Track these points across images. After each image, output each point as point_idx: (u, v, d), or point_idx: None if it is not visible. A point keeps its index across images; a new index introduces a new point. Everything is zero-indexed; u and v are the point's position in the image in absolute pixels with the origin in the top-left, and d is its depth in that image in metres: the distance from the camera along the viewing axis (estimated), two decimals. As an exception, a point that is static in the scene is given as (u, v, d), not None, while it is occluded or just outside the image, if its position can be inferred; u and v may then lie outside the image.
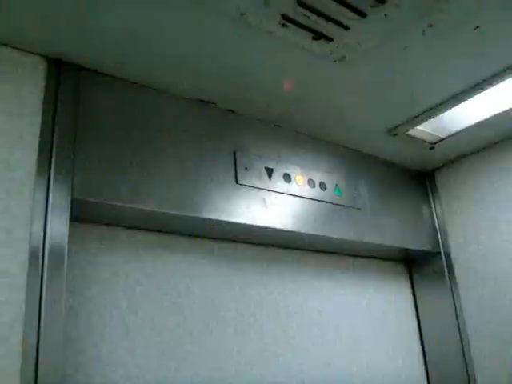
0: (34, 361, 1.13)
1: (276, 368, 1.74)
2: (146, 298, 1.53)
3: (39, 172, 1.27)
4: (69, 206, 1.29)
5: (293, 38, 1.37)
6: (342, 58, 1.48)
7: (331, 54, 1.46)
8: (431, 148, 2.13)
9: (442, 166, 2.35)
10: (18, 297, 1.15)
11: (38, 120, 1.32)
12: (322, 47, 1.42)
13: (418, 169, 2.38)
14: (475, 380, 2.07)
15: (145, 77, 1.54)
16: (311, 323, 1.91)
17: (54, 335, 1.17)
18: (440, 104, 1.79)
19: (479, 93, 1.73)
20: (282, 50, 1.44)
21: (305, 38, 1.38)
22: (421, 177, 2.40)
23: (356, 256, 2.19)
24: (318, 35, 1.37)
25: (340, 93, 1.69)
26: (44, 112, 1.33)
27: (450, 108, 1.82)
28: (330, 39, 1.39)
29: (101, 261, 1.48)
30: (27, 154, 1.27)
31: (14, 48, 1.34)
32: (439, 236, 2.30)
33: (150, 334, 1.50)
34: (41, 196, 1.25)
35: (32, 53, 1.37)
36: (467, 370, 2.10)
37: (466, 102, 1.78)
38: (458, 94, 1.74)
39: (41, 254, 1.21)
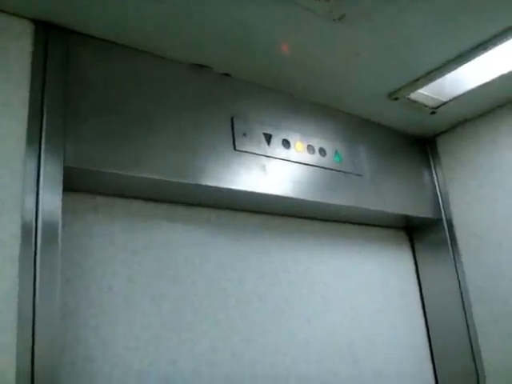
0: (31, 333, 1.10)
1: (279, 337, 1.72)
2: (145, 268, 1.50)
3: (29, 140, 1.22)
4: (61, 174, 1.24)
5: (291, -5, 1.32)
6: (342, 17, 1.43)
7: (330, 12, 1.40)
8: (432, 113, 2.08)
9: (444, 131, 2.30)
10: (11, 269, 1.11)
11: (27, 86, 1.26)
12: (321, 5, 1.36)
13: (419, 134, 2.33)
14: (478, 347, 2.06)
15: (138, 41, 1.48)
16: (313, 292, 1.88)
17: (50, 307, 1.14)
18: (442, 66, 1.74)
19: (482, 54, 1.67)
20: (279, 10, 1.39)
21: (303, -5, 1.33)
22: (422, 142, 2.36)
23: (357, 224, 2.16)
24: (316, -9, 1.32)
25: (340, 55, 1.63)
26: (32, 78, 1.28)
27: (452, 70, 1.76)
28: (329, -4, 1.34)
29: (97, 231, 1.44)
30: (16, 121, 1.22)
31: (-2, 11, 1.28)
32: (441, 202, 2.26)
33: (150, 305, 1.47)
34: (32, 164, 1.21)
35: (18, 15, 1.30)
36: (470, 338, 2.08)
37: (468, 63, 1.72)
38: (460, 55, 1.68)
39: (34, 224, 1.17)
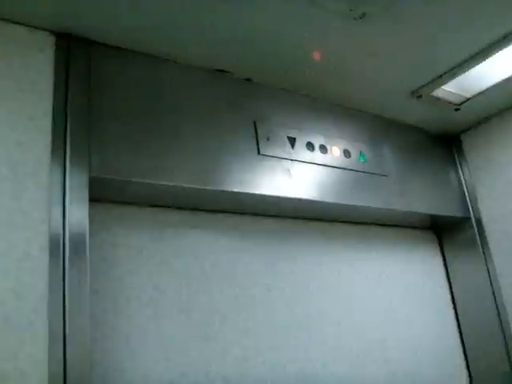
0: (62, 346, 1.09)
1: (309, 343, 1.69)
2: (173, 277, 1.48)
3: (54, 151, 1.22)
4: (87, 185, 1.24)
5: (311, -5, 1.30)
6: (363, 15, 1.41)
7: (351, 10, 1.38)
8: (456, 109, 2.04)
9: (469, 128, 2.25)
10: (40, 280, 1.11)
11: (50, 98, 1.27)
12: (341, 5, 1.35)
13: (443, 132, 2.29)
14: (512, 345, 2.01)
15: (158, 48, 1.48)
16: (342, 296, 1.85)
17: (79, 319, 1.13)
18: (465, 61, 1.70)
19: (505, 47, 1.64)
20: (300, 12, 1.37)
21: (324, -5, 1.31)
22: (447, 140, 2.32)
23: (384, 225, 2.12)
24: (337, -10, 1.30)
25: (361, 54, 1.61)
26: (55, 89, 1.28)
27: (476, 65, 1.73)
28: (349, -5, 1.32)
29: (123, 241, 1.44)
30: (40, 133, 1.22)
31: (20, 24, 1.29)
32: (468, 201, 2.22)
33: (179, 315, 1.46)
34: (57, 176, 1.21)
35: (39, 28, 1.31)
36: (505, 338, 2.03)
37: (491, 57, 1.69)
38: (483, 50, 1.65)
39: (61, 236, 1.17)
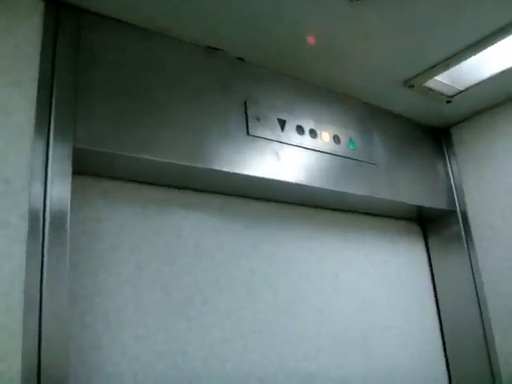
0: (38, 317, 1.07)
1: (289, 329, 1.68)
2: (155, 255, 1.46)
3: (38, 119, 1.18)
4: (71, 155, 1.20)
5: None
6: (359, -2, 1.39)
7: (348, -8, 1.36)
8: (448, 101, 2.03)
9: (459, 121, 2.25)
10: (18, 250, 1.08)
11: (36, 64, 1.23)
12: (339, -16, 1.33)
13: (433, 124, 2.28)
14: (493, 340, 2.01)
15: (150, 21, 1.44)
16: (325, 283, 1.84)
17: (57, 292, 1.11)
18: (460, 52, 1.69)
19: (501, 39, 1.63)
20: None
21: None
22: (436, 133, 2.31)
23: (370, 214, 2.12)
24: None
25: (356, 38, 1.59)
26: (42, 56, 1.24)
27: (471, 56, 1.72)
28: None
29: (105, 216, 1.41)
30: (25, 100, 1.18)
31: (7, -12, 1.24)
32: (455, 194, 2.22)
33: (159, 293, 1.44)
34: (40, 144, 1.17)
35: (28, -7, 1.27)
36: (484, 331, 2.04)
37: (486, 49, 1.68)
38: (478, 41, 1.64)
39: (41, 207, 1.14)
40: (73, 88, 1.26)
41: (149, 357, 1.37)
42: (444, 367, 2.14)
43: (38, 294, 1.08)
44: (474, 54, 1.70)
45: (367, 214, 2.11)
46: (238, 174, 1.50)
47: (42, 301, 1.08)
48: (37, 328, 1.06)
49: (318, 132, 1.76)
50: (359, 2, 1.40)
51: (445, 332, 2.19)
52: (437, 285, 2.25)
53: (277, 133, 1.63)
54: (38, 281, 1.09)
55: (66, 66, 1.27)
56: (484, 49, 1.67)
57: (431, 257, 2.28)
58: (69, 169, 1.20)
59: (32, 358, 1.04)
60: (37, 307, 1.07)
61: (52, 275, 1.11)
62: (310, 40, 1.58)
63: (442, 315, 2.21)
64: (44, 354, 1.05)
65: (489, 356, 2.01)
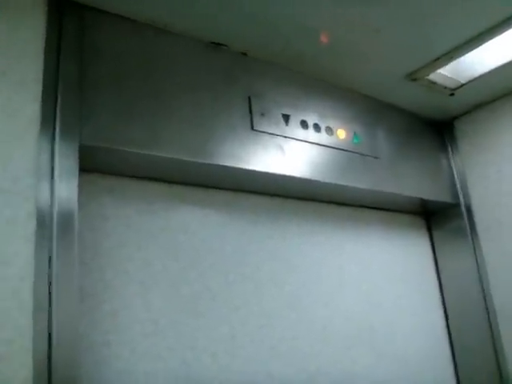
0: (47, 315, 1.07)
1: (296, 323, 1.68)
2: (161, 251, 1.46)
3: (44, 117, 1.18)
4: (77, 153, 1.20)
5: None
6: (363, -9, 1.39)
7: (352, -14, 1.36)
8: (451, 94, 2.03)
9: (462, 114, 2.25)
10: (27, 247, 1.08)
11: (41, 63, 1.22)
12: (342, -22, 1.32)
13: (436, 117, 2.28)
14: (499, 333, 2.02)
15: (153, 17, 1.44)
16: (330, 277, 1.84)
17: (66, 289, 1.11)
18: (463, 44, 1.69)
19: (504, 32, 1.63)
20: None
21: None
22: (439, 126, 2.31)
23: (374, 208, 2.12)
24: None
25: (362, 33, 1.59)
26: (46, 54, 1.24)
27: (473, 49, 1.71)
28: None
29: (112, 213, 1.41)
30: (30, 99, 1.18)
31: (11, -14, 1.24)
32: (458, 187, 2.22)
33: (167, 289, 1.44)
34: (47, 143, 1.17)
35: (31, -9, 1.27)
36: (490, 324, 2.04)
37: (489, 42, 1.68)
38: (481, 34, 1.64)
39: (49, 205, 1.14)
40: (77, 86, 1.26)
41: (158, 352, 1.37)
42: (450, 361, 2.14)
43: (47, 291, 1.08)
44: (477, 47, 1.70)
45: (372, 207, 2.11)
46: (242, 168, 1.50)
47: (52, 298, 1.08)
48: (46, 326, 1.06)
49: (322, 126, 1.76)
50: (362, -5, 1.40)
51: (450, 325, 2.19)
52: (442, 278, 2.25)
53: (281, 127, 1.63)
54: (47, 278, 1.09)
55: (70, 64, 1.26)
56: (486, 42, 1.67)
57: (436, 250, 2.29)
58: (76, 166, 1.20)
59: (42, 356, 1.04)
60: (46, 305, 1.07)
61: (61, 273, 1.11)
62: (323, 38, 1.58)
63: (447, 308, 2.21)
64: (54, 352, 1.05)
65: (495, 349, 2.01)
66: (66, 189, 1.17)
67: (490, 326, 2.04)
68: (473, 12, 1.53)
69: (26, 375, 1.01)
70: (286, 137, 1.63)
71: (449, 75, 1.91)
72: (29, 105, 1.17)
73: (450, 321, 2.20)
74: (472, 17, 1.56)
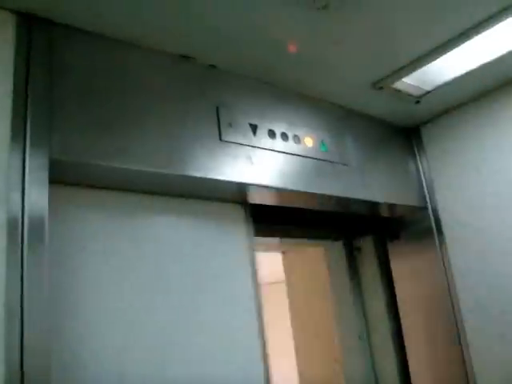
0: (19, 326, 1.10)
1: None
2: (130, 259, 1.49)
3: (14, 131, 1.21)
4: (47, 165, 1.23)
5: (274, -16, 1.32)
6: (325, 6, 1.43)
7: (314, 1, 1.40)
8: (417, 102, 2.10)
9: (428, 120, 2.31)
10: (-1, 260, 1.11)
11: (10, 78, 1.25)
12: (304, -6, 1.37)
13: (403, 124, 2.35)
14: (464, 330, 2.09)
15: (121, 31, 1.47)
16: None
17: (37, 299, 1.14)
18: (426, 54, 1.75)
19: (464, 42, 1.69)
20: (265, 1, 1.39)
21: (287, -16, 1.33)
22: (407, 132, 2.38)
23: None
24: (300, -20, 1.32)
25: (325, 44, 1.64)
26: (16, 69, 1.26)
27: (437, 58, 1.78)
28: (312, -15, 1.34)
29: (81, 223, 1.43)
30: (1, 113, 1.21)
31: (-21, 3, 1.26)
32: (426, 191, 2.28)
33: (136, 296, 1.47)
34: (17, 156, 1.20)
35: (0, 7, 1.29)
36: (456, 324, 2.11)
37: (452, 51, 1.74)
38: (444, 44, 1.71)
39: (20, 216, 1.17)
40: (47, 99, 1.29)
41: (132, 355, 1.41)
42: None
43: (19, 302, 1.11)
44: (440, 57, 1.77)
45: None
46: (212, 179, 1.54)
47: (23, 309, 1.11)
48: (18, 337, 1.09)
49: (290, 135, 1.80)
50: (326, 10, 1.44)
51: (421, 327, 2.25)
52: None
53: (249, 137, 1.67)
54: (19, 289, 1.11)
55: (39, 78, 1.29)
56: (449, 51, 1.74)
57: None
58: (45, 179, 1.23)
59: (14, 366, 1.07)
60: (18, 316, 1.10)
61: (32, 282, 1.13)
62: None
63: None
64: (26, 359, 1.08)
65: (462, 352, 2.09)
66: (37, 200, 1.20)
67: (457, 326, 2.10)
68: (435, 22, 1.59)
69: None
70: (253, 146, 1.67)
71: (414, 84, 1.97)
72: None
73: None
74: (434, 27, 1.62)
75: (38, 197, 1.20)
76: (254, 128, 1.69)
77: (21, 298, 1.11)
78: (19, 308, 1.11)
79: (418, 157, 2.34)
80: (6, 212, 1.15)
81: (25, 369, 1.08)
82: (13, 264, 1.12)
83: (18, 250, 1.14)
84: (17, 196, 1.17)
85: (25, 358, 1.08)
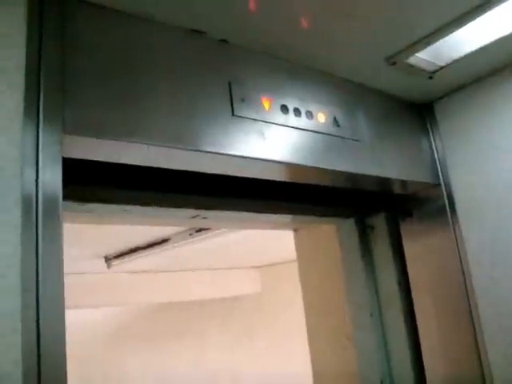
0: (35, 299, 1.11)
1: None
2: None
3: (27, 106, 1.20)
4: (61, 141, 1.23)
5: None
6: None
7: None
8: (430, 77, 2.07)
9: (442, 96, 2.28)
10: (14, 234, 1.11)
11: (23, 51, 1.24)
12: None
13: (416, 100, 2.31)
14: (477, 309, 2.08)
15: (133, 6, 1.46)
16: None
17: (52, 274, 1.15)
18: (442, 27, 1.71)
19: (482, 15, 1.65)
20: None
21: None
22: (420, 108, 2.34)
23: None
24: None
25: (337, 16, 1.61)
26: (28, 43, 1.25)
27: (452, 32, 1.74)
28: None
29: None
30: (13, 88, 1.20)
31: (-12, -25, 1.25)
32: (439, 168, 2.26)
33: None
34: (31, 131, 1.19)
35: (10, -21, 1.28)
36: (469, 303, 2.10)
37: (467, 25, 1.70)
38: (460, 16, 1.66)
39: (34, 192, 1.17)
40: (60, 74, 1.28)
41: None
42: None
43: (35, 276, 1.12)
44: (455, 30, 1.73)
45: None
46: (223, 153, 1.53)
47: (39, 283, 1.12)
48: (35, 308, 1.10)
49: (303, 111, 1.79)
50: (338, -19, 1.42)
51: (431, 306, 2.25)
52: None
53: (261, 113, 1.66)
54: (34, 264, 1.12)
55: (52, 52, 1.28)
56: (464, 25, 1.70)
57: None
58: (59, 154, 1.23)
59: (31, 336, 1.08)
60: (34, 289, 1.11)
61: (47, 258, 1.14)
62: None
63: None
64: (43, 334, 1.10)
65: (474, 331, 2.07)
66: (51, 177, 1.20)
67: (469, 306, 2.10)
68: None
69: (16, 356, 1.05)
70: (266, 122, 1.66)
71: (427, 58, 1.93)
72: (12, 95, 1.19)
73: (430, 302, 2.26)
74: (448, 1, 1.58)
75: (52, 172, 1.20)
76: (266, 103, 1.68)
77: (36, 271, 1.12)
78: (35, 282, 1.11)
79: (430, 133, 2.31)
80: (21, 188, 1.15)
81: (41, 337, 1.09)
82: (28, 240, 1.13)
83: (33, 227, 1.14)
84: (31, 172, 1.17)
85: (41, 328, 1.10)
